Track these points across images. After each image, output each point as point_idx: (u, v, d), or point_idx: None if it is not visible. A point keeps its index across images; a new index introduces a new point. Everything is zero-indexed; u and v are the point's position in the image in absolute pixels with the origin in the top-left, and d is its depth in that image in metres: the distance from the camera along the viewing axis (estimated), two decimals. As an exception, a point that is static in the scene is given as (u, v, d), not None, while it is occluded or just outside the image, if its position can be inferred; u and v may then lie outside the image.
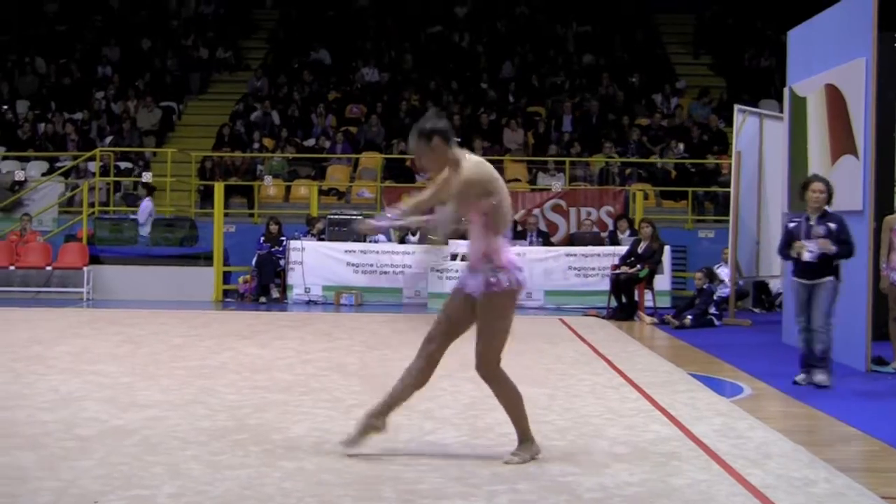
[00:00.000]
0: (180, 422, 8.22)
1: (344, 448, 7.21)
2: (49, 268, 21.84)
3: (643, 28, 32.45)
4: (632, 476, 6.77)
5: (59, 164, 25.82)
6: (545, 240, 22.07)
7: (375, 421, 7.22)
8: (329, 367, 11.79)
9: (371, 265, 21.14)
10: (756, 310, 20.66)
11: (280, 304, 21.23)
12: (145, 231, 23.11)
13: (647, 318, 18.25)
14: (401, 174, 25.66)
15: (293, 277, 21.21)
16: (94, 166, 25.29)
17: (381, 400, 7.27)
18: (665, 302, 20.02)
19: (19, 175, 24.71)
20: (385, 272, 21.19)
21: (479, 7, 33.11)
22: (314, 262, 21.19)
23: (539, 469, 6.91)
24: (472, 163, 7.01)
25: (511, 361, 7.27)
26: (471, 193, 6.92)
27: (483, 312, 7.04)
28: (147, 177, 25.07)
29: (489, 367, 7.10)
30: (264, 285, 21.71)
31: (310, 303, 21.01)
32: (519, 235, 21.35)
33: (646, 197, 24.05)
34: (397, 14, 32.79)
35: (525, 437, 7.20)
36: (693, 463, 7.16)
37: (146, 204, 23.59)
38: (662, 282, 20.23)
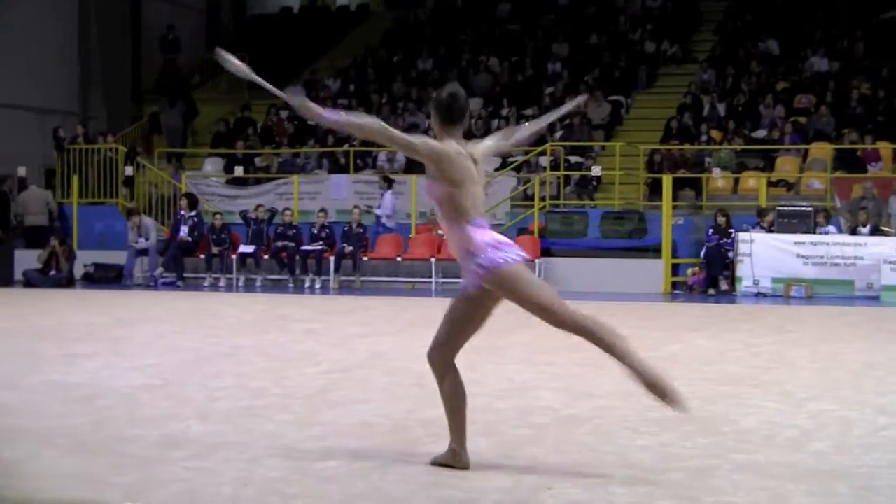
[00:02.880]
0: (631, 412, 8.33)
1: None
2: (501, 260, 22.54)
3: None
4: None
5: (511, 160, 26.66)
6: None
7: None
8: (779, 361, 11.67)
9: (821, 257, 20.72)
10: None
11: (729, 296, 21.15)
12: (391, 223, 24.16)
13: None
14: (852, 164, 24.85)
15: (742, 269, 21.08)
16: (544, 160, 25.97)
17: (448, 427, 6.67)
18: None
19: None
20: (836, 264, 20.67)
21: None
22: (764, 253, 20.99)
23: None
24: (449, 144, 6.44)
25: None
26: (432, 163, 6.36)
27: (506, 291, 6.63)
28: (596, 170, 25.52)
29: (565, 317, 6.78)
30: (713, 277, 21.69)
31: (759, 295, 20.82)
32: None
33: None
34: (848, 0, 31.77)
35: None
36: None
37: (388, 196, 24.32)
38: None
